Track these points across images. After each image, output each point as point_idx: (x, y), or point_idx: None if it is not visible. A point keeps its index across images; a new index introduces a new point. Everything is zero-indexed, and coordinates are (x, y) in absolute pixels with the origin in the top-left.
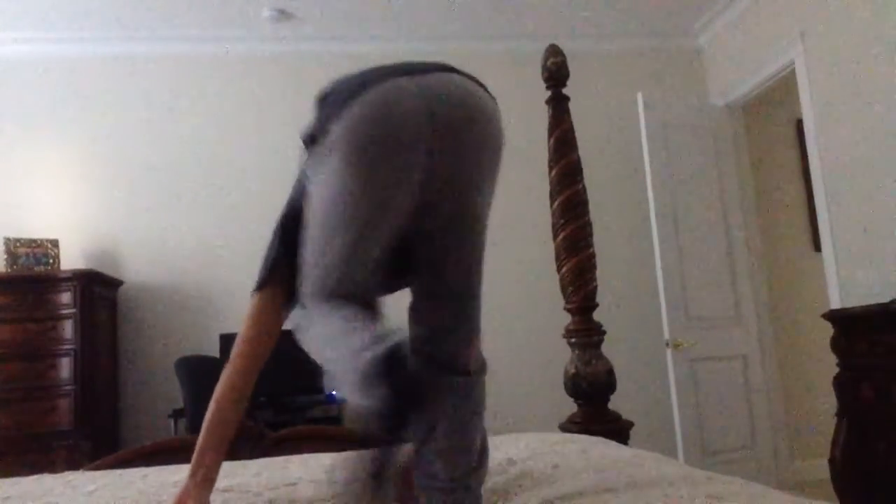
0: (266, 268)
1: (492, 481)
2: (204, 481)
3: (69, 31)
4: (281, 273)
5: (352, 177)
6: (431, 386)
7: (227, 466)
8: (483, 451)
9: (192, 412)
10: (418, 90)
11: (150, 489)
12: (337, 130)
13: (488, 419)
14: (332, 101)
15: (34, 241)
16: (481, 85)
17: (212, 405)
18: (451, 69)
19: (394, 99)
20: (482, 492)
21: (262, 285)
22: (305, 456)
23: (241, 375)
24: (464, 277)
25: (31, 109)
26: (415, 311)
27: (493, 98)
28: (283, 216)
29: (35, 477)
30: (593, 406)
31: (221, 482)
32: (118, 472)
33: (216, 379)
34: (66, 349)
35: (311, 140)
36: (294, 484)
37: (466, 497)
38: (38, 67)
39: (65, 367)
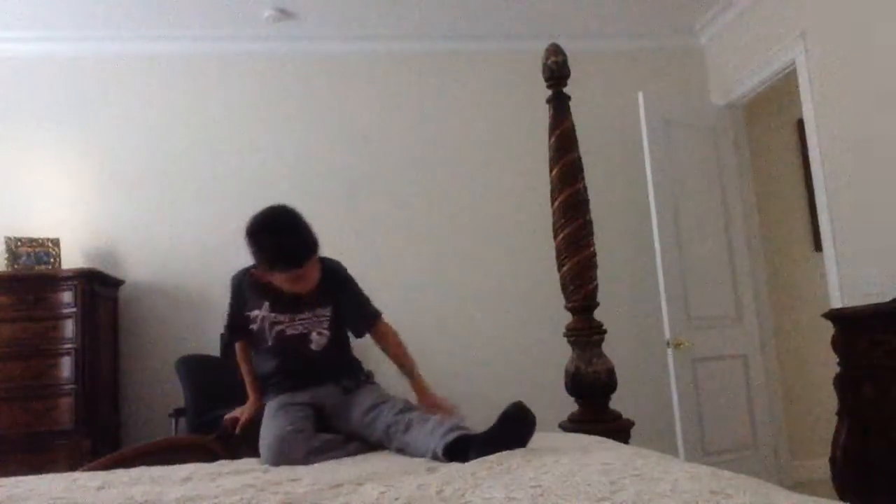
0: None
1: (493, 477)
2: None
3: (69, 30)
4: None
5: None
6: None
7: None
8: None
9: (193, 411)
10: None
11: (156, 488)
12: None
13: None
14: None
15: (35, 240)
16: None
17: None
18: None
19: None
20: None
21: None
22: None
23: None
24: None
25: (32, 109)
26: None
27: None
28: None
29: (40, 476)
30: (594, 405)
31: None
32: (124, 470)
33: (217, 378)
34: (67, 348)
35: None
36: (297, 480)
37: None
38: (38, 67)
39: (66, 366)
